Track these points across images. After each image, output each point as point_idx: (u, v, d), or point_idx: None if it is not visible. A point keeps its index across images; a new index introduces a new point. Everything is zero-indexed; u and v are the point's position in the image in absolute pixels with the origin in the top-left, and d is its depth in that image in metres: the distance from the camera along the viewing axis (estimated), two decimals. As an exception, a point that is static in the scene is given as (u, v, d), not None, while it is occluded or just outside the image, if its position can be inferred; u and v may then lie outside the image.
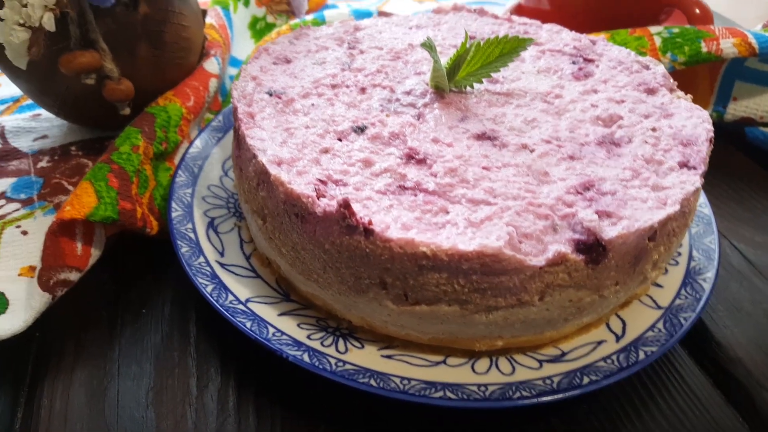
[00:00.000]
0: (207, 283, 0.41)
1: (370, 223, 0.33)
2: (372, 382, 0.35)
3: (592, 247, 0.33)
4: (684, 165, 0.39)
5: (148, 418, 0.39)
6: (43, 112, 0.67)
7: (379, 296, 0.36)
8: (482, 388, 0.35)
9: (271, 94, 0.46)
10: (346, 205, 0.33)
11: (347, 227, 0.33)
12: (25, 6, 0.46)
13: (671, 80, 0.49)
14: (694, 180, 0.38)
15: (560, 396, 0.34)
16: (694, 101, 0.68)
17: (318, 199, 0.35)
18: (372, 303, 0.36)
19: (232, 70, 0.77)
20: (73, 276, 0.45)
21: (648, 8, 0.74)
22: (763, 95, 0.67)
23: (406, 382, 0.36)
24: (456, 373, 0.37)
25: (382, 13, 0.81)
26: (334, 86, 0.48)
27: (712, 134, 0.42)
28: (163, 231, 0.50)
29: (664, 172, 0.39)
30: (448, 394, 0.35)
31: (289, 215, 0.37)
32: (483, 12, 0.63)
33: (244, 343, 0.41)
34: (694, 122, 0.43)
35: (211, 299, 0.39)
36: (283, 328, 0.39)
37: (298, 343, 0.38)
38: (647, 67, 0.51)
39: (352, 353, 0.38)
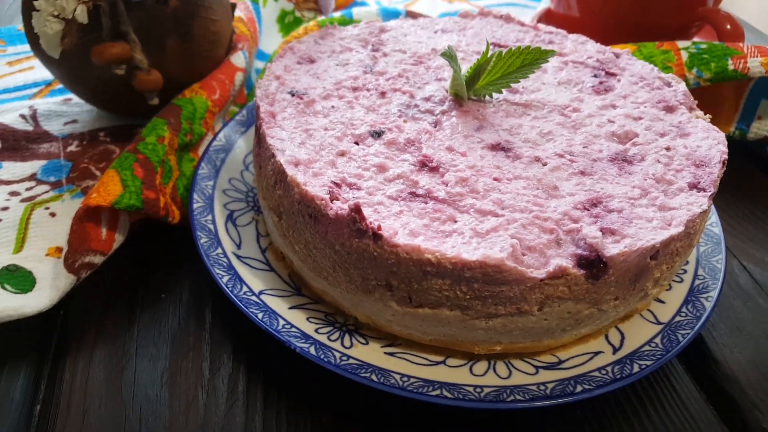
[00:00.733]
0: (223, 273, 0.43)
1: (379, 228, 0.34)
2: (373, 377, 0.37)
3: (593, 263, 0.34)
4: (694, 186, 0.40)
5: (162, 397, 0.41)
6: (74, 97, 0.70)
7: (384, 297, 0.37)
8: (478, 390, 0.37)
9: (293, 95, 0.47)
10: (357, 209, 0.34)
11: (357, 231, 0.35)
12: (61, -2, 0.48)
13: (691, 98, 0.50)
14: (701, 202, 0.38)
15: (552, 402, 0.36)
16: (719, 118, 0.69)
17: (331, 201, 0.37)
18: (377, 303, 0.38)
19: (259, 64, 0.79)
20: (97, 259, 0.47)
21: (679, 21, 0.74)
22: (788, 115, 0.67)
23: (405, 379, 0.37)
24: (454, 373, 0.38)
25: (410, 13, 0.82)
26: (355, 89, 0.49)
27: (725, 156, 0.42)
28: (184, 220, 0.52)
29: (673, 192, 0.39)
30: (445, 393, 0.36)
31: (303, 215, 0.38)
32: (509, 18, 0.63)
33: (256, 333, 0.43)
34: (710, 143, 0.44)
35: (227, 290, 0.41)
36: (292, 320, 0.40)
37: (306, 336, 0.39)
38: (669, 84, 0.51)
39: (357, 349, 0.39)
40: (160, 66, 0.58)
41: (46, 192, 0.57)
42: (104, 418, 0.39)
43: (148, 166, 0.51)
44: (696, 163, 0.42)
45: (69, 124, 0.67)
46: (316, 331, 0.40)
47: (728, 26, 0.69)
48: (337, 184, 0.39)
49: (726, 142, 0.44)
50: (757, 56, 0.62)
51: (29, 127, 0.65)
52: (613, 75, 0.52)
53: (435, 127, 0.45)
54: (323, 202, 0.36)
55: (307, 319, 0.41)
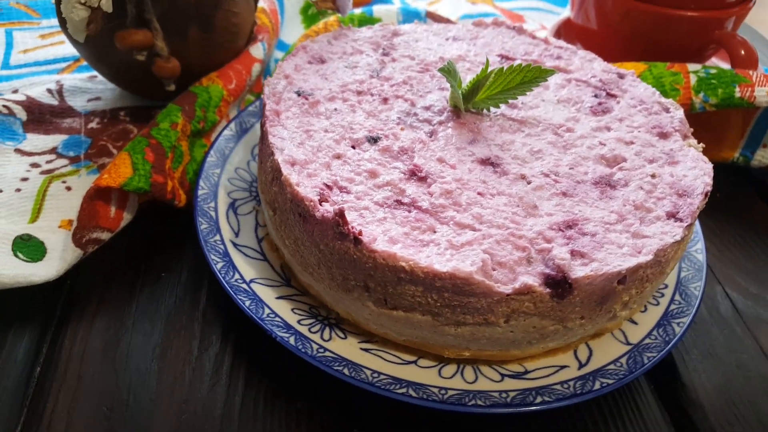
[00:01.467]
0: (218, 260, 0.45)
1: (360, 233, 0.37)
2: (345, 370, 0.39)
3: (559, 283, 0.36)
4: (672, 216, 0.41)
5: (152, 370, 0.44)
6: (99, 75, 0.73)
7: (362, 297, 0.39)
8: (443, 391, 0.39)
9: (299, 94, 0.50)
10: (341, 214, 0.37)
11: (340, 234, 0.37)
12: (88, -14, 0.51)
13: (687, 126, 0.51)
14: (675, 232, 0.40)
15: (510, 410, 0.38)
16: (724, 142, 0.70)
17: (320, 203, 0.39)
18: (356, 302, 0.40)
19: (279, 54, 0.81)
20: (105, 236, 0.50)
21: (695, 42, 0.74)
22: (794, 145, 0.67)
23: (376, 375, 0.39)
24: (424, 374, 0.41)
25: (430, 14, 0.83)
26: (359, 93, 0.51)
27: (709, 188, 0.44)
28: (190, 204, 0.55)
29: (650, 220, 0.41)
30: (411, 391, 0.38)
31: (294, 213, 0.41)
32: (521, 31, 0.64)
33: (245, 318, 0.45)
34: (696, 173, 0.45)
35: (219, 275, 0.44)
36: (277, 310, 0.43)
37: (288, 326, 0.42)
38: (667, 110, 0.52)
39: (335, 342, 0.42)
40: (180, 54, 0.60)
41: (65, 166, 0.60)
42: (96, 385, 0.43)
43: (159, 151, 0.53)
44: (679, 192, 0.43)
45: (92, 101, 0.70)
46: (298, 322, 0.43)
47: (742, 52, 0.69)
48: (328, 187, 0.41)
49: (712, 174, 0.45)
50: (765, 85, 0.63)
51: (54, 102, 0.69)
52: (613, 96, 0.53)
53: (430, 136, 0.47)
54: (312, 203, 0.39)
55: (292, 309, 0.44)
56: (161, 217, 0.56)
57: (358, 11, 0.81)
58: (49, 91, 0.70)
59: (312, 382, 0.44)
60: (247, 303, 0.42)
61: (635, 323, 0.46)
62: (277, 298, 0.44)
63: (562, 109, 0.52)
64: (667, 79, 0.66)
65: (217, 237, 0.48)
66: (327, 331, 0.43)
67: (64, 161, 0.61)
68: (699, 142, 0.49)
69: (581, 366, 0.42)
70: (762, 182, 0.70)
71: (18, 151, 0.61)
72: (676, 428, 0.44)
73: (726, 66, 0.72)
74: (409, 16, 0.82)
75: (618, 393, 0.46)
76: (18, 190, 0.56)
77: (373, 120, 0.48)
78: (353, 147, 0.45)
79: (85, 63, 0.76)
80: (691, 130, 0.50)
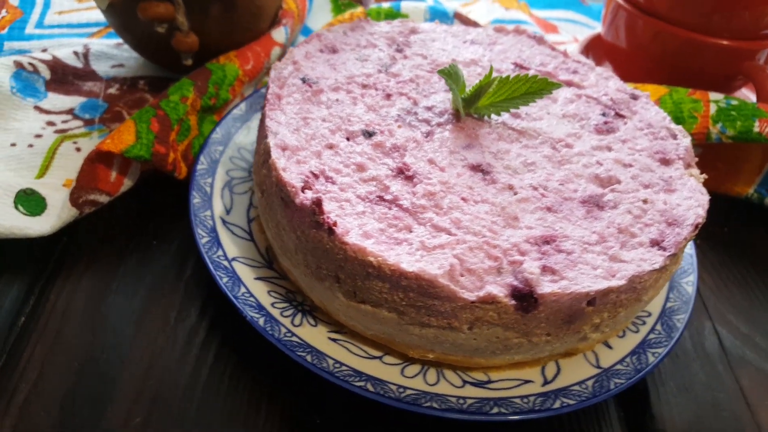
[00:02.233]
0: (204, 234, 0.46)
1: (334, 224, 0.37)
2: (308, 357, 0.40)
3: (525, 297, 0.36)
4: (656, 243, 0.41)
5: (127, 333, 0.45)
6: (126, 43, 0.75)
7: (333, 287, 0.40)
8: (401, 390, 0.39)
9: (304, 81, 0.50)
10: (317, 203, 0.37)
11: (315, 222, 0.38)
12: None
13: (692, 155, 0.50)
14: (655, 260, 0.39)
15: (464, 417, 0.38)
16: (739, 176, 0.68)
17: (303, 191, 0.39)
18: (327, 291, 0.41)
19: (302, 39, 0.82)
20: (103, 198, 0.51)
21: (723, 71, 0.72)
22: (811, 188, 0.65)
23: (337, 365, 0.40)
24: (386, 370, 0.41)
25: (458, 15, 0.83)
26: (364, 86, 0.52)
27: (700, 220, 0.43)
28: (190, 176, 0.56)
29: (632, 245, 0.40)
30: (369, 386, 0.39)
31: (277, 197, 0.41)
32: (542, 41, 0.64)
33: (224, 295, 0.46)
34: (690, 204, 0.44)
35: (202, 249, 0.45)
36: (253, 290, 0.44)
37: (260, 307, 0.43)
38: (674, 137, 0.51)
39: (304, 329, 0.43)
40: (200, 30, 0.61)
41: (79, 127, 0.62)
42: (72, 341, 0.44)
43: (165, 123, 0.55)
44: (669, 220, 0.43)
45: (115, 68, 0.72)
46: (272, 305, 0.43)
47: (769, 87, 0.67)
48: (315, 175, 0.42)
49: (706, 206, 0.44)
50: (786, 123, 0.61)
51: (79, 65, 0.70)
52: (621, 117, 0.53)
53: (426, 137, 0.47)
54: (293, 189, 0.39)
55: (269, 292, 0.45)
56: (162, 187, 0.57)
57: (386, 5, 0.81)
58: (76, 53, 0.72)
59: (281, 365, 0.44)
60: (224, 279, 0.43)
61: (610, 347, 0.45)
62: (256, 278, 0.45)
63: (566, 124, 0.51)
64: (687, 106, 0.65)
65: (208, 212, 0.49)
66: (299, 317, 0.43)
67: (79, 123, 0.63)
68: (703, 173, 0.48)
69: (546, 383, 0.42)
70: (774, 222, 0.68)
71: (37, 108, 0.63)
72: (637, 458, 0.43)
73: (754, 99, 0.70)
74: (437, 15, 0.82)
75: (583, 415, 0.45)
76: (30, 145, 0.58)
77: (373, 114, 0.48)
78: (348, 139, 0.46)
79: (113, 30, 0.78)
80: (696, 159, 0.49)
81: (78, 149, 0.59)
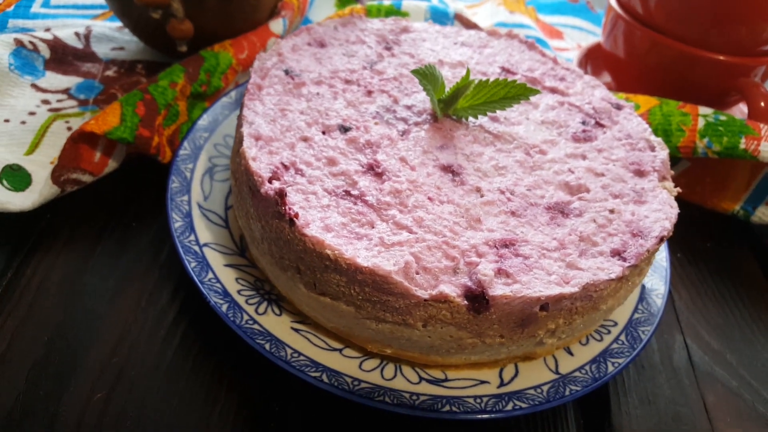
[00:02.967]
0: (178, 219, 0.47)
1: (295, 215, 0.38)
2: (267, 345, 0.41)
3: (477, 298, 0.36)
4: (617, 253, 0.41)
5: (99, 311, 0.46)
6: (126, 27, 0.76)
7: (294, 278, 0.41)
8: (355, 382, 0.40)
9: (287, 73, 0.51)
10: (281, 194, 0.38)
11: (278, 213, 0.38)
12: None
13: (668, 168, 0.50)
14: (613, 270, 0.39)
15: (414, 413, 0.38)
16: (726, 193, 0.68)
17: (270, 181, 0.40)
18: (290, 281, 0.41)
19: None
20: (86, 178, 0.53)
21: (718, 85, 0.72)
22: (797, 208, 0.65)
23: (296, 355, 0.41)
24: (344, 363, 0.42)
25: (459, 17, 0.83)
26: (347, 81, 0.52)
27: (665, 233, 0.43)
28: (174, 162, 0.57)
29: (591, 254, 0.41)
30: (324, 377, 0.40)
31: (246, 185, 0.42)
32: (533, 46, 0.64)
33: (195, 278, 0.47)
34: (658, 216, 0.44)
35: (174, 233, 0.46)
36: (221, 276, 0.45)
37: (225, 293, 0.43)
38: (653, 149, 0.51)
39: (268, 317, 0.43)
40: (196, 18, 0.62)
41: (73, 107, 0.63)
42: (43, 316, 0.45)
43: (151, 107, 0.56)
44: (634, 232, 0.43)
45: (115, 50, 0.73)
46: (238, 292, 0.44)
47: (762, 104, 0.67)
48: (285, 167, 0.42)
49: (674, 219, 0.44)
50: (772, 141, 0.61)
51: (79, 46, 0.72)
52: (601, 126, 0.53)
53: (402, 135, 0.48)
54: (260, 179, 0.40)
55: (237, 279, 0.45)
56: (147, 171, 0.58)
57: (387, 2, 0.82)
58: (77, 34, 0.73)
59: (245, 352, 0.45)
60: (193, 264, 0.44)
61: (571, 354, 0.46)
62: (225, 265, 0.46)
63: (544, 130, 0.51)
64: (675, 119, 0.65)
65: (185, 197, 0.50)
66: (264, 305, 0.44)
67: (74, 103, 0.64)
68: (682, 187, 0.48)
69: (502, 385, 0.42)
70: (758, 240, 0.67)
71: (34, 86, 0.64)
72: (590, 465, 0.44)
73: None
74: (438, 15, 0.83)
75: (541, 420, 0.46)
76: (23, 122, 0.60)
77: (352, 110, 0.49)
78: (323, 132, 0.46)
79: (116, 13, 0.79)
80: (672, 173, 0.49)
81: (69, 128, 0.60)
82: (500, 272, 0.38)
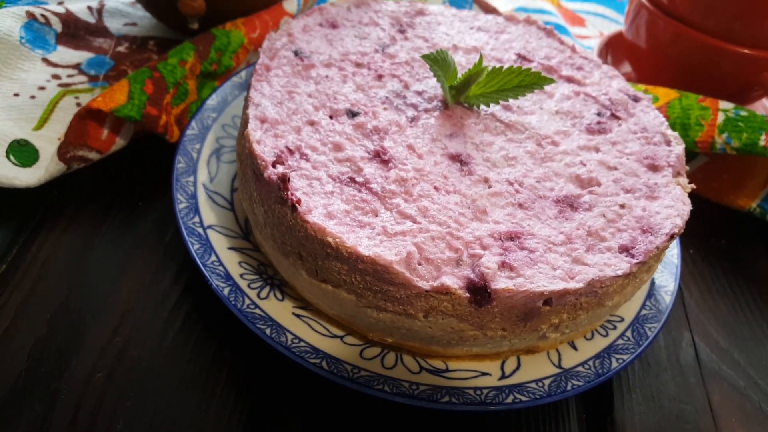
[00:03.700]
0: (183, 200, 0.47)
1: (298, 201, 0.37)
2: (267, 331, 0.40)
3: (479, 291, 0.36)
4: (625, 249, 0.40)
5: (102, 290, 0.47)
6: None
7: (296, 264, 0.40)
8: (355, 370, 0.40)
9: (296, 54, 0.50)
10: (283, 179, 0.37)
11: (280, 198, 0.38)
12: None
13: (683, 164, 0.48)
14: (620, 267, 0.38)
15: (413, 402, 0.38)
16: (743, 190, 0.66)
17: (273, 165, 0.40)
18: (292, 267, 0.41)
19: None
20: (93, 155, 0.52)
21: (740, 80, 0.70)
22: (815, 207, 0.63)
23: (296, 341, 0.41)
24: (345, 350, 0.41)
25: (478, 0, 0.81)
26: (358, 64, 0.51)
27: (677, 230, 0.42)
28: (182, 141, 0.56)
29: (599, 249, 0.40)
30: (323, 364, 0.39)
31: (250, 169, 0.42)
32: (551, 33, 0.62)
33: (199, 260, 0.47)
34: (669, 213, 0.43)
35: (178, 214, 0.46)
36: (223, 259, 0.44)
37: (228, 277, 0.43)
38: (668, 143, 0.50)
39: (270, 302, 0.43)
40: (209, -5, 0.61)
41: (83, 83, 0.63)
42: (48, 293, 0.45)
43: (160, 85, 0.55)
44: (644, 228, 0.42)
45: (128, 26, 0.72)
46: (241, 276, 0.44)
47: (786, 99, 0.65)
48: (290, 151, 0.42)
49: (686, 217, 0.43)
50: (794, 138, 0.59)
51: (92, 20, 0.71)
52: (617, 118, 0.51)
53: (411, 122, 0.47)
54: (264, 163, 0.39)
55: (240, 263, 0.45)
56: (154, 150, 0.58)
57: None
58: (90, 8, 0.73)
59: (246, 336, 0.45)
60: (196, 246, 0.44)
61: (575, 349, 0.45)
62: (229, 248, 0.46)
63: (557, 121, 0.50)
64: (695, 113, 0.63)
65: (191, 178, 0.49)
66: (267, 289, 0.44)
67: (83, 78, 0.63)
68: (701, 183, 0.47)
69: (503, 377, 0.42)
70: (774, 239, 0.66)
71: (45, 60, 0.64)
72: (590, 462, 0.43)
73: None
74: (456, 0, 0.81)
75: (542, 413, 0.45)
76: (33, 97, 0.59)
77: (361, 94, 0.48)
78: (330, 117, 0.46)
79: (130, -12, 0.78)
80: (687, 168, 0.48)
81: (78, 104, 0.60)
82: (504, 265, 0.37)
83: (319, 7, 0.57)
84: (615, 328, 0.47)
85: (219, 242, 0.46)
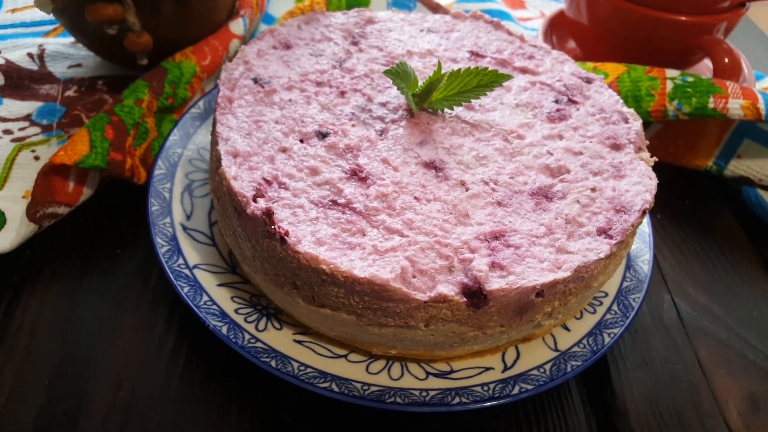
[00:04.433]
0: (164, 243, 0.47)
1: (286, 234, 0.38)
2: (273, 362, 0.41)
3: (475, 294, 0.37)
4: (603, 232, 0.42)
5: (97, 346, 0.46)
6: (80, 43, 0.73)
7: (291, 293, 0.41)
8: (365, 387, 0.40)
9: (256, 81, 0.50)
10: (268, 214, 0.38)
11: (267, 232, 0.38)
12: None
13: (643, 139, 0.50)
14: (601, 249, 0.40)
15: (427, 409, 0.39)
16: (698, 150, 0.69)
17: (254, 200, 0.40)
18: (287, 297, 0.41)
19: (264, 27, 0.81)
20: (62, 210, 0.51)
21: (682, 46, 0.73)
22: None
23: (302, 368, 0.41)
24: (351, 369, 0.42)
25: (422, 0, 0.82)
26: (319, 83, 0.52)
27: (647, 206, 0.44)
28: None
29: (579, 235, 0.41)
30: (333, 386, 0.40)
31: (231, 206, 0.42)
32: (499, 26, 0.64)
33: (189, 300, 0.47)
34: (638, 189, 0.45)
35: (162, 260, 0.45)
36: (216, 297, 0.44)
37: (223, 315, 0.43)
38: (626, 120, 0.52)
39: (269, 333, 0.43)
40: (154, 28, 0.61)
41: (36, 135, 0.61)
42: (42, 358, 0.45)
43: (120, 128, 0.54)
44: (617, 207, 0.44)
45: (73, 68, 0.71)
46: (236, 311, 0.44)
47: (726, 60, 0.68)
48: (267, 182, 0.42)
49: (654, 191, 0.45)
50: (739, 98, 0.62)
51: (34, 67, 0.69)
52: (574, 103, 0.53)
53: (380, 135, 0.47)
54: (244, 199, 0.40)
55: (232, 298, 0.45)
56: (123, 193, 0.57)
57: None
58: (30, 55, 0.71)
59: (250, 368, 0.45)
60: (186, 289, 0.44)
61: (568, 330, 0.47)
62: (219, 285, 0.46)
63: (519, 114, 0.51)
64: (644, 84, 0.65)
65: (167, 219, 0.49)
66: (263, 321, 0.44)
67: (37, 129, 0.62)
68: (661, 149, 0.49)
69: (506, 369, 0.43)
70: (732, 194, 0.69)
71: (-8, 116, 0.62)
72: (598, 435, 0.45)
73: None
74: (400, 0, 0.82)
75: (546, 396, 0.47)
76: (-13, 157, 0.58)
77: (327, 114, 0.49)
78: (301, 141, 0.46)
79: (68, 29, 0.77)
80: (647, 143, 0.50)
81: (36, 158, 0.59)
82: (494, 265, 0.38)
83: (269, 29, 0.57)
84: (601, 304, 0.49)
85: (207, 281, 0.46)
